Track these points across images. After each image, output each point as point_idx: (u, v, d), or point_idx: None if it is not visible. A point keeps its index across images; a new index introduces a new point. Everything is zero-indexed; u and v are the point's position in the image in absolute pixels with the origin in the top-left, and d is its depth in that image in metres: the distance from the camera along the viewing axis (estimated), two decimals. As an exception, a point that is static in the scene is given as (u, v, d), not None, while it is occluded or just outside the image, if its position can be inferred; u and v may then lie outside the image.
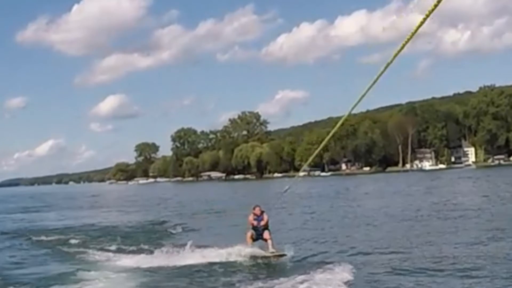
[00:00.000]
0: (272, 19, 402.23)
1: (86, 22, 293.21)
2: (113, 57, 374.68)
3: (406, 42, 6.38)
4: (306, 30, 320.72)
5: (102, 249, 22.12)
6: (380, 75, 7.08)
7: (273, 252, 18.01)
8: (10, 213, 52.34)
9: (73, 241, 24.92)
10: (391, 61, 6.77)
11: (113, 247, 22.58)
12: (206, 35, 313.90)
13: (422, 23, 5.98)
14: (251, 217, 18.62)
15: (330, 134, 12.31)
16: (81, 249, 22.31)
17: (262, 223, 18.37)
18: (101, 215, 44.20)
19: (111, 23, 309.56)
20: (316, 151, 14.22)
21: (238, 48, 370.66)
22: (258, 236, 18.40)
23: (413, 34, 6.21)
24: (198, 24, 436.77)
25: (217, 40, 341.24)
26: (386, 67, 6.89)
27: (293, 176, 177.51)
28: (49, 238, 26.81)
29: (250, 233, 18.45)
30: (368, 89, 7.55)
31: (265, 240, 18.35)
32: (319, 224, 28.48)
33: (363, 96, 7.80)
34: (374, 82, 7.26)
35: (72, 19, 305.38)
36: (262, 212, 18.62)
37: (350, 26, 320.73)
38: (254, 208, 18.83)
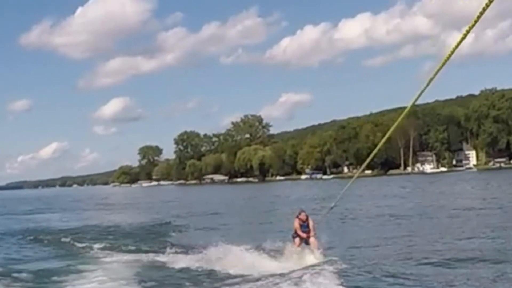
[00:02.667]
0: (276, 22, 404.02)
1: (90, 25, 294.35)
2: (117, 60, 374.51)
3: (465, 35, 6.55)
4: (310, 33, 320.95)
5: (103, 248, 22.96)
6: (440, 67, 7.39)
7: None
8: (20, 214, 53.85)
9: (77, 241, 25.77)
10: (450, 55, 6.98)
11: (115, 246, 23.41)
12: (210, 38, 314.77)
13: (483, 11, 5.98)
14: (297, 224, 17.26)
15: (386, 136, 11.77)
16: (84, 248, 23.37)
17: (311, 234, 17.07)
18: (104, 217, 45.23)
19: (115, 26, 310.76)
20: (370, 157, 13.67)
21: (242, 51, 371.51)
22: (303, 242, 17.32)
23: (472, 25, 6.24)
24: (202, 27, 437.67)
25: (221, 43, 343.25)
26: (445, 61, 7.16)
27: (296, 179, 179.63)
28: (57, 238, 27.71)
29: (298, 240, 17.21)
30: (429, 82, 7.77)
31: (309, 244, 17.21)
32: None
33: (424, 89, 7.96)
34: (435, 75, 7.53)
35: (76, 22, 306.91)
36: (307, 218, 17.32)
37: (354, 29, 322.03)
38: (299, 214, 17.43)
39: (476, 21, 6.22)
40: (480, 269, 15.16)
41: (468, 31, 6.46)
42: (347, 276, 14.76)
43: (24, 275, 17.21)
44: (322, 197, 59.08)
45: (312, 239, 17.07)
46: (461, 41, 6.70)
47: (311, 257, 16.89)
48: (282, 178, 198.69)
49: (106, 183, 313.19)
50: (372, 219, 30.38)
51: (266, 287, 14.01)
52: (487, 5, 5.90)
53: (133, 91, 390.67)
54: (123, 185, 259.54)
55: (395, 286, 13.85)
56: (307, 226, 17.19)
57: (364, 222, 29.11)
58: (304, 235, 17.06)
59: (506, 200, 38.07)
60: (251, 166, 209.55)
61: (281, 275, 15.09)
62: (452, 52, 7.02)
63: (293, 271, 15.60)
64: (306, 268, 15.82)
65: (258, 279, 14.88)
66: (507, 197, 41.43)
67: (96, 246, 23.57)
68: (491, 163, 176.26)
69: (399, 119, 10.32)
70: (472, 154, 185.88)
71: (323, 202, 48.54)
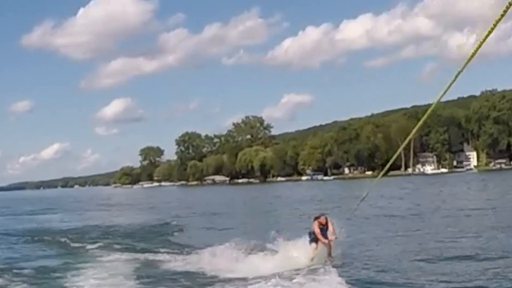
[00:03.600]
0: (278, 23, 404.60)
1: (91, 26, 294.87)
2: (119, 61, 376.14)
3: (491, 30, 6.67)
4: (311, 34, 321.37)
5: (103, 248, 23.39)
6: (464, 66, 7.50)
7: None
8: (23, 215, 54.75)
9: (78, 240, 26.30)
10: (475, 52, 7.14)
11: (115, 246, 23.81)
12: (212, 39, 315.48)
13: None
14: (317, 228, 16.71)
15: (418, 126, 11.47)
16: (84, 247, 23.86)
17: (332, 237, 16.68)
18: (105, 217, 45.66)
19: (117, 27, 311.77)
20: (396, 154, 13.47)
21: (244, 52, 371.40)
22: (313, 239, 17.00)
23: (498, 20, 6.42)
24: (203, 28, 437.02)
25: (222, 44, 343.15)
26: (469, 60, 7.31)
27: (297, 180, 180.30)
28: (58, 238, 28.11)
29: (315, 245, 16.83)
30: (455, 78, 7.80)
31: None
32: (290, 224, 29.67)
33: (450, 85, 8.05)
34: (460, 72, 7.65)
35: (77, 23, 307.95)
36: (327, 221, 16.86)
37: (355, 30, 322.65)
38: (318, 217, 16.97)
39: (502, 16, 6.42)
40: (470, 266, 15.84)
41: (494, 26, 6.60)
42: (345, 272, 15.33)
43: (26, 271, 17.87)
44: (322, 198, 59.64)
45: (331, 244, 16.82)
46: (485, 39, 6.86)
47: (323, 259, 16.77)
48: (283, 179, 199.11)
49: (107, 184, 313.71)
50: (369, 219, 30.80)
51: (265, 286, 14.13)
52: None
53: (135, 92, 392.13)
54: (124, 186, 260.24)
55: (392, 282, 14.49)
56: (327, 229, 16.71)
57: (360, 222, 29.50)
58: (325, 240, 16.61)
59: (500, 201, 38.74)
60: (252, 167, 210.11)
61: (280, 274, 15.28)
62: (476, 50, 7.17)
63: (291, 270, 15.83)
64: (305, 267, 16.11)
65: (256, 279, 15.04)
66: (502, 198, 42.06)
67: (97, 245, 24.03)
68: (491, 164, 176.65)
69: (424, 117, 10.28)
70: (473, 155, 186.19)
71: (322, 203, 49.25)
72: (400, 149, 13.11)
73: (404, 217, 31.30)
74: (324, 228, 16.71)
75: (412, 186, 76.75)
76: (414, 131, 12.37)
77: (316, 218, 17.00)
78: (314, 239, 16.92)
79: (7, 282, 16.25)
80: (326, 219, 16.81)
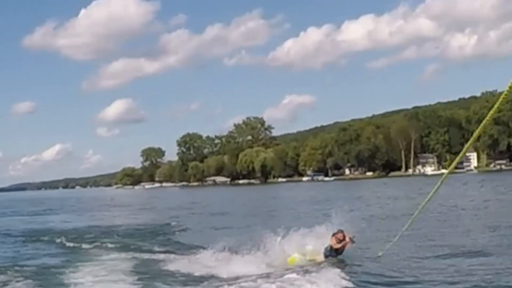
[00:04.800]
0: (279, 24, 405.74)
1: (93, 27, 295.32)
2: (120, 61, 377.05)
3: None
4: (313, 35, 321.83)
5: (101, 247, 23.89)
6: None
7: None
8: (25, 215, 55.49)
9: (78, 240, 26.79)
10: None
11: (114, 246, 24.21)
12: (213, 39, 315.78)
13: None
14: (334, 241, 17.42)
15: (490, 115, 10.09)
16: (84, 247, 24.40)
17: (344, 243, 17.38)
18: (106, 218, 46.16)
19: (118, 28, 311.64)
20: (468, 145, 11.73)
21: (245, 53, 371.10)
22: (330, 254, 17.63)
23: None
24: (205, 29, 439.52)
25: (224, 45, 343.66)
26: None
27: (298, 181, 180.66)
28: (59, 238, 28.28)
29: (324, 258, 17.50)
30: None
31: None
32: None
33: None
34: None
35: (79, 24, 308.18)
36: (344, 237, 17.38)
37: (357, 31, 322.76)
38: (336, 233, 17.44)
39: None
40: (463, 263, 16.51)
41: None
42: (344, 270, 15.84)
43: (27, 269, 18.44)
44: (320, 199, 59.97)
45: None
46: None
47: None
48: (283, 180, 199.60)
49: (109, 185, 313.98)
50: (366, 219, 31.26)
51: (262, 284, 14.29)
52: None
53: (136, 93, 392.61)
54: (126, 186, 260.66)
55: (390, 278, 15.11)
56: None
57: (359, 221, 29.97)
58: (339, 246, 17.35)
59: (496, 202, 39.23)
60: (253, 168, 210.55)
61: (275, 272, 15.71)
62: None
63: (287, 268, 16.24)
64: (301, 267, 16.47)
65: (252, 277, 15.22)
66: (497, 199, 42.51)
67: (97, 244, 24.57)
68: (492, 165, 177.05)
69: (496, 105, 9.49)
70: (473, 156, 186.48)
71: (319, 204, 49.62)
72: (465, 149, 12.02)
73: (399, 217, 31.64)
74: (340, 242, 17.31)
75: (411, 187, 77.07)
76: (487, 118, 10.59)
77: (334, 235, 17.44)
78: (334, 254, 17.45)
79: (10, 278, 16.78)
80: (343, 235, 17.25)
